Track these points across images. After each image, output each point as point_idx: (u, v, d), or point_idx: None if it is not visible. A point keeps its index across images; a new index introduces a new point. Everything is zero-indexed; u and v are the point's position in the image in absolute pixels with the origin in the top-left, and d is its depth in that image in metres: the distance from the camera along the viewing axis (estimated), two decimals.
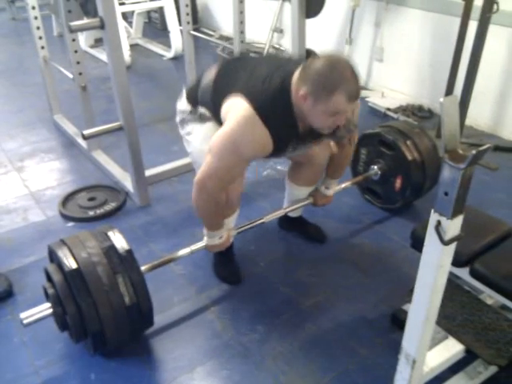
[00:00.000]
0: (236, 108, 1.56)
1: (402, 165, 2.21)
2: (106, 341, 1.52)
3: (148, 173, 2.65)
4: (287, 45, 4.41)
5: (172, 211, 2.55)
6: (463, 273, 1.55)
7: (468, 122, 3.26)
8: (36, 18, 3.11)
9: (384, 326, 1.83)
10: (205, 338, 1.80)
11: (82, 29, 2.30)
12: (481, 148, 0.88)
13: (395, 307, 1.83)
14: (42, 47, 3.24)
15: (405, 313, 1.45)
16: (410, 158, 2.16)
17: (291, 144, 1.69)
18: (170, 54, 4.94)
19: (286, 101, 1.55)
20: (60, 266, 1.50)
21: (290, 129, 1.62)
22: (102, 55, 4.80)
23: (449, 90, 3.04)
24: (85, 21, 2.27)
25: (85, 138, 2.44)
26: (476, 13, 2.77)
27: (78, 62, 2.81)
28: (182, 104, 1.90)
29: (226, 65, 1.79)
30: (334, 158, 2.00)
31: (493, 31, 2.83)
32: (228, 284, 2.05)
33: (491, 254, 1.56)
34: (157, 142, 3.27)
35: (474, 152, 0.87)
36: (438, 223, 1.00)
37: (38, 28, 3.15)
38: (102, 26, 2.13)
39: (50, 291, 1.52)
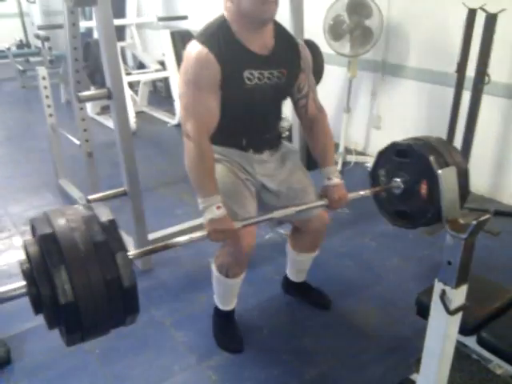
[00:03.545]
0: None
1: (423, 168, 1.98)
2: (80, 320, 1.28)
3: (151, 236, 2.66)
4: None
5: (174, 276, 2.54)
6: (470, 341, 1.53)
7: None
8: (46, 87, 3.24)
9: None
10: None
11: (90, 99, 2.40)
12: (481, 218, 0.90)
13: (402, 377, 1.78)
14: (50, 115, 3.35)
15: (413, 383, 1.42)
16: (430, 157, 1.91)
17: (247, 69, 1.65)
18: (174, 121, 5.09)
19: (226, 26, 1.63)
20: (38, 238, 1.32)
21: (237, 49, 1.63)
22: (108, 122, 4.95)
23: None
24: (93, 91, 2.37)
25: (89, 203, 2.47)
26: (469, 83, 2.89)
27: (85, 130, 2.90)
28: None
29: None
30: (314, 139, 1.90)
31: (486, 101, 2.94)
32: (229, 352, 2.01)
33: (498, 321, 1.54)
34: (160, 205, 3.31)
35: (474, 222, 0.88)
36: (443, 292, 1.00)
37: (47, 97, 3.27)
38: (109, 97, 2.22)
39: (25, 266, 1.31)
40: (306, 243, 2.09)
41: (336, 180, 1.86)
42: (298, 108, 1.87)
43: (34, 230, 1.38)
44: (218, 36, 1.61)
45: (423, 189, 2.00)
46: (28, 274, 1.30)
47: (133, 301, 1.35)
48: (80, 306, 1.25)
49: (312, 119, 1.87)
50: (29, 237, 1.38)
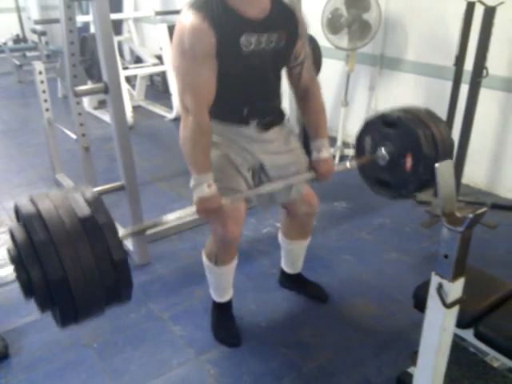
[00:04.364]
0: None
1: (410, 140, 1.98)
2: (72, 294, 1.25)
3: (148, 231, 2.66)
4: None
5: (171, 269, 2.54)
6: (468, 334, 1.53)
7: (464, 180, 3.31)
8: (42, 82, 3.23)
9: None
10: None
11: (87, 93, 2.39)
12: (478, 211, 0.90)
13: (400, 370, 1.78)
14: (47, 109, 3.34)
15: (410, 376, 1.42)
16: (418, 131, 1.94)
17: (243, 34, 1.58)
18: (171, 116, 5.07)
19: None
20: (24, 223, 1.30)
21: (232, 16, 1.56)
22: (105, 116, 4.93)
23: None
24: (89, 86, 2.36)
25: None
26: (467, 76, 2.89)
27: (82, 124, 2.89)
28: None
29: None
30: (306, 109, 1.88)
31: (484, 94, 2.93)
32: (227, 346, 2.01)
33: (495, 314, 1.54)
34: (157, 199, 3.30)
35: (471, 216, 0.88)
36: (440, 286, 1.00)
37: (44, 91, 3.26)
38: (106, 91, 2.21)
39: (13, 252, 1.29)
40: (297, 228, 2.10)
41: (326, 154, 1.87)
42: (291, 76, 1.83)
43: (18, 212, 1.34)
44: (212, 4, 1.55)
45: (408, 161, 1.99)
46: (15, 258, 1.27)
47: (123, 270, 1.32)
48: (71, 280, 1.21)
49: (305, 88, 1.85)
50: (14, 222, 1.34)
